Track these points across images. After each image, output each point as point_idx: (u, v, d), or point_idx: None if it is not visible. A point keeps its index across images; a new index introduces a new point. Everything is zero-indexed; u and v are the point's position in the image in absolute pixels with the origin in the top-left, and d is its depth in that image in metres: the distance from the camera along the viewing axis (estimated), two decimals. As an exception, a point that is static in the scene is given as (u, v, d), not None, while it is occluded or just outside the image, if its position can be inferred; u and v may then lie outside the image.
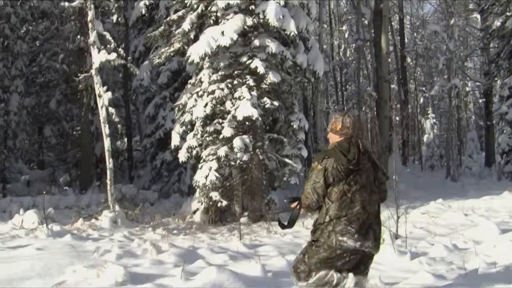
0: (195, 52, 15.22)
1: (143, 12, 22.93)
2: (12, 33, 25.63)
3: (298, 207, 5.35)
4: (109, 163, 16.04)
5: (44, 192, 17.44)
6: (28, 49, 27.50)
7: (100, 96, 16.09)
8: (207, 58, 15.49)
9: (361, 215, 5.02)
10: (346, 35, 43.45)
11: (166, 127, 22.17)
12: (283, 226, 5.58)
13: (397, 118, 34.37)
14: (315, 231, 5.19)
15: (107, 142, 15.99)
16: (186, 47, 16.84)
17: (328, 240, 5.03)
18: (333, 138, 5.31)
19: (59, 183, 27.61)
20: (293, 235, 13.15)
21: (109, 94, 16.02)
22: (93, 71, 16.26)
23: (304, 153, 16.70)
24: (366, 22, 32.58)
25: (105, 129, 15.95)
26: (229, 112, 15.39)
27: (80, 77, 17.33)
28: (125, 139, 27.38)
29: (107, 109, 15.90)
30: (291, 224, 5.47)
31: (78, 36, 23.70)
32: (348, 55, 43.84)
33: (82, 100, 22.55)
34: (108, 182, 15.98)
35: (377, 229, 5.17)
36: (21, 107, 26.37)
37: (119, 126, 17.06)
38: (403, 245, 10.88)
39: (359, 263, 5.19)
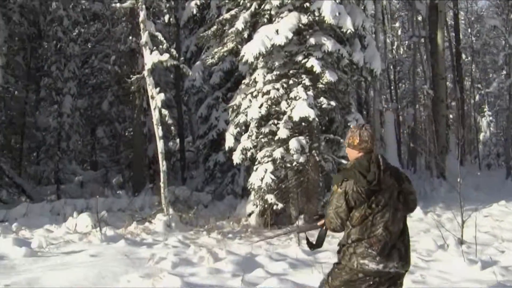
0: (249, 52, 14.86)
1: (194, 12, 22.69)
2: (65, 35, 25.76)
3: (324, 227, 5.14)
4: (163, 165, 15.81)
5: (98, 197, 17.27)
6: (80, 51, 27.64)
7: (152, 97, 15.88)
8: (261, 57, 15.10)
9: (383, 237, 4.74)
10: (399, 32, 42.56)
11: (219, 128, 21.89)
12: (311, 246, 5.30)
13: (451, 116, 33.50)
14: (339, 252, 4.95)
15: (160, 144, 15.77)
16: (239, 47, 16.51)
17: (349, 263, 4.79)
18: (352, 154, 5.00)
19: (112, 184, 27.71)
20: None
21: (162, 95, 15.80)
22: (145, 72, 16.06)
23: (361, 154, 16.13)
24: (420, 18, 31.87)
25: (158, 131, 15.73)
26: (284, 113, 14.99)
27: (132, 79, 17.15)
28: (177, 140, 27.25)
29: (160, 111, 15.68)
30: (319, 244, 5.25)
31: (130, 37, 23.63)
32: (401, 53, 42.93)
33: (134, 101, 22.49)
34: (162, 185, 15.76)
35: (402, 247, 4.85)
36: (74, 109, 26.57)
37: (172, 127, 16.78)
38: (471, 252, 10.33)
39: (388, 285, 4.88)
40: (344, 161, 15.17)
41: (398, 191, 4.87)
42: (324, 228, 5.14)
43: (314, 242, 5.25)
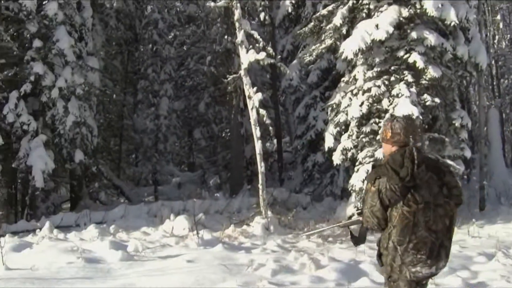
0: (348, 48, 14.35)
1: (289, 10, 22.33)
2: (160, 38, 26.08)
3: None
4: (261, 166, 15.51)
5: (195, 200, 17.21)
6: (176, 54, 27.90)
7: (249, 97, 15.62)
8: (360, 53, 14.55)
9: (428, 238, 4.48)
10: (501, 25, 40.70)
11: (317, 127, 21.43)
12: (355, 242, 5.09)
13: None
14: (380, 256, 4.68)
15: (258, 145, 15.49)
16: (337, 43, 16.03)
17: (401, 275, 4.54)
18: (386, 148, 4.79)
19: (209, 185, 27.74)
20: (459, 245, 12.01)
21: (259, 95, 15.50)
22: (241, 72, 15.83)
23: (468, 153, 15.29)
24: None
25: (256, 132, 15.45)
26: (386, 111, 14.36)
27: (228, 79, 16.97)
28: (275, 141, 26.96)
29: (257, 111, 15.39)
30: (361, 240, 5.00)
31: (225, 37, 23.49)
32: (503, 47, 41.05)
33: (231, 102, 22.30)
34: (260, 186, 15.46)
35: (448, 244, 4.61)
36: (170, 110, 26.83)
37: (269, 127, 16.46)
38: None
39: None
40: (449, 161, 14.44)
41: (439, 185, 4.58)
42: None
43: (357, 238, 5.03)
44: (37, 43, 18.50)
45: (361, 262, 10.04)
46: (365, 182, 5.00)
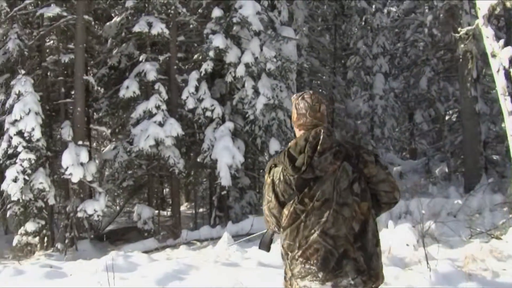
0: None
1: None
2: (370, 6, 21.20)
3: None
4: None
5: (419, 199, 12.14)
6: (389, 24, 22.90)
7: (494, 55, 10.10)
8: None
9: (321, 244, 3.37)
10: None
11: None
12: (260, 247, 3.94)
13: None
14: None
15: (510, 121, 9.94)
16: None
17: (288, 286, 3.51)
18: (297, 134, 3.63)
19: (434, 175, 22.53)
20: None
21: (510, 50, 9.98)
22: (480, 20, 10.45)
23: None
24: None
25: (506, 103, 9.93)
26: None
27: (460, 33, 11.58)
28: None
29: (507, 73, 9.88)
30: (262, 247, 3.89)
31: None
32: None
33: (463, 70, 16.56)
34: (515, 181, 9.97)
35: (360, 256, 3.37)
36: (387, 89, 22.32)
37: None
38: None
39: None
40: None
41: (352, 179, 3.44)
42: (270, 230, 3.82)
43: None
44: (216, 12, 14.62)
45: None
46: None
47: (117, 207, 19.89)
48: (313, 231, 3.39)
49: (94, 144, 21.66)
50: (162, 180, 19.20)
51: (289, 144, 3.56)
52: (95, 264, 9.77)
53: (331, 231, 3.38)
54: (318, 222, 3.39)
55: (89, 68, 17.48)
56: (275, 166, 3.56)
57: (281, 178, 3.48)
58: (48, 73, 16.43)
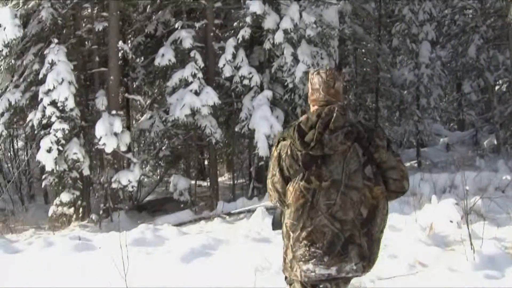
0: None
1: None
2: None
3: None
4: None
5: (465, 172, 11.38)
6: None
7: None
8: None
9: (329, 228, 3.28)
10: None
11: None
12: (273, 226, 3.75)
13: None
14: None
15: None
16: None
17: (292, 273, 3.39)
18: (311, 110, 3.52)
19: (482, 147, 21.63)
20: None
21: None
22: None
23: None
24: None
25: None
26: None
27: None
28: None
29: None
30: (274, 225, 3.71)
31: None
32: None
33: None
34: None
35: (364, 242, 3.31)
36: (433, 57, 21.22)
37: None
38: None
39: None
40: None
41: (363, 162, 3.33)
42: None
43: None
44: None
45: None
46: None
47: (158, 177, 19.66)
48: (319, 212, 3.29)
49: (134, 113, 21.42)
50: (202, 150, 18.84)
51: (301, 118, 3.45)
52: (124, 237, 9.48)
53: (339, 214, 3.29)
54: (326, 204, 3.29)
55: (125, 36, 17.12)
56: (284, 139, 3.45)
57: (289, 152, 3.38)
58: (86, 42, 16.08)
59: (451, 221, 8.89)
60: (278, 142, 3.49)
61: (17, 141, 20.68)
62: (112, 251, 8.36)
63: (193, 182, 15.52)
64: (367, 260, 3.35)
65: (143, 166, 16.74)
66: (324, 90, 3.43)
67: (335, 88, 3.45)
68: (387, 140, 3.45)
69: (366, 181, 3.32)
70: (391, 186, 3.41)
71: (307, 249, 3.32)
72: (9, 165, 19.96)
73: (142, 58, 16.70)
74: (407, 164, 20.48)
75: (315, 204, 3.30)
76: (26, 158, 18.81)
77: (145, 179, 21.35)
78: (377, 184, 3.34)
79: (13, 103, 14.03)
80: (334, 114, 3.31)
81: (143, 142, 16.51)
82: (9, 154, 20.27)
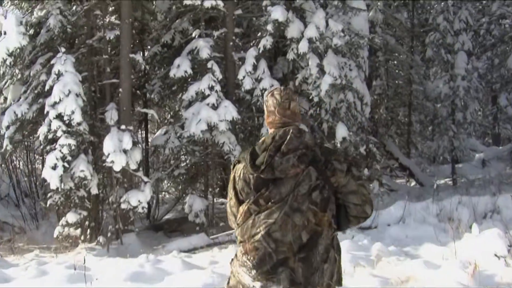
0: None
1: None
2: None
3: None
4: None
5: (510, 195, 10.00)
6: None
7: None
8: None
9: (262, 245, 3.22)
10: None
11: None
12: None
13: None
14: None
15: None
16: None
17: (232, 265, 3.42)
18: (269, 132, 3.51)
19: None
20: None
21: None
22: None
23: None
24: None
25: None
26: None
27: None
28: None
29: None
30: None
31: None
32: None
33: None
34: None
35: (299, 268, 3.19)
36: (470, 69, 19.94)
37: None
38: None
39: None
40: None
41: (314, 186, 3.24)
42: None
43: None
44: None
45: None
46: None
47: (178, 193, 18.52)
48: (258, 230, 3.25)
49: (153, 128, 20.34)
50: (224, 166, 17.68)
51: (258, 141, 3.41)
52: (124, 269, 8.50)
53: (276, 234, 3.23)
54: (265, 222, 3.24)
55: (144, 46, 16.06)
56: (239, 162, 3.43)
57: (241, 175, 3.36)
58: (98, 52, 15.00)
59: (496, 256, 7.51)
60: (234, 165, 3.44)
61: (34, 154, 19.70)
62: (108, 285, 7.62)
63: (211, 201, 14.26)
64: (299, 286, 3.21)
65: (158, 184, 15.55)
66: (280, 112, 3.38)
67: (290, 109, 3.40)
68: (348, 164, 3.35)
69: (312, 205, 3.23)
70: (352, 211, 3.35)
71: (242, 256, 3.28)
72: (25, 179, 18.98)
73: (159, 69, 15.58)
74: (441, 182, 19.13)
75: (256, 221, 3.25)
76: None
77: (166, 195, 20.26)
78: (323, 210, 3.26)
79: (19, 115, 12.97)
80: (288, 137, 3.27)
81: (156, 159, 15.37)
82: (26, 168, 19.29)
